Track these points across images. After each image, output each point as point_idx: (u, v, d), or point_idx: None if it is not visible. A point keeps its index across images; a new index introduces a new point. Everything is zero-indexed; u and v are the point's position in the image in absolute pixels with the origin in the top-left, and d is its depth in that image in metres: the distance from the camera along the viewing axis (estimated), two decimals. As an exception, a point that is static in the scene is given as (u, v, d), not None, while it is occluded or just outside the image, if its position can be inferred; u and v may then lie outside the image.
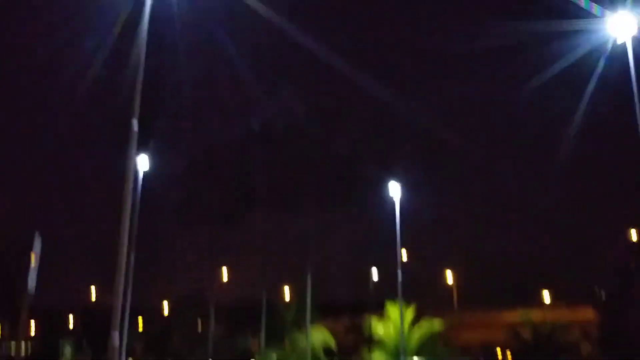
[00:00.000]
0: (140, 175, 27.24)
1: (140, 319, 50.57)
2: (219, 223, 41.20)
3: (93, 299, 56.41)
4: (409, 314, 36.70)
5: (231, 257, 47.97)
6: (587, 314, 41.70)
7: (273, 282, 45.32)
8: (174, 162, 40.14)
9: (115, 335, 13.25)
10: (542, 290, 50.13)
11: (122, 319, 17.17)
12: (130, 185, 14.25)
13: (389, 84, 43.15)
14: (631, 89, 19.59)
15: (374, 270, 50.04)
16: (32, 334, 53.79)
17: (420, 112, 41.81)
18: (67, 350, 52.16)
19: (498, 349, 46.78)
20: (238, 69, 37.51)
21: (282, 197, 40.11)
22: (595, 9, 20.28)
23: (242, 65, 37.08)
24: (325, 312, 42.58)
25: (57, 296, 48.84)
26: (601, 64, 23.33)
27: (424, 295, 42.82)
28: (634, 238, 43.38)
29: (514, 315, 42.65)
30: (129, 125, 14.53)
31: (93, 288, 56.00)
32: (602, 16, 20.10)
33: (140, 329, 51.56)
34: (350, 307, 46.42)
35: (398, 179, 34.53)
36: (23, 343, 47.19)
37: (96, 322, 42.48)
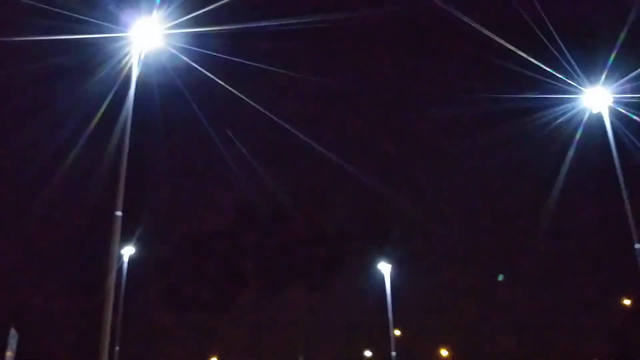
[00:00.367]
0: (125, 265, 26.73)
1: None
2: (206, 308, 40.35)
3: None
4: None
5: (221, 344, 46.65)
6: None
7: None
8: (160, 250, 39.62)
9: None
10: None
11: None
12: (113, 278, 13.82)
13: (376, 168, 43.50)
14: (611, 155, 20.16)
15: (367, 353, 48.80)
16: None
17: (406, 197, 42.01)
18: None
19: None
20: (222, 154, 37.72)
21: (271, 279, 39.57)
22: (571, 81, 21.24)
23: (227, 150, 37.31)
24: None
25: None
26: (579, 132, 23.97)
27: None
28: (627, 304, 43.03)
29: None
30: (112, 215, 14.31)
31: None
32: (579, 89, 21.11)
33: None
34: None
35: (388, 259, 34.32)
36: None
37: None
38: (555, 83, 21.74)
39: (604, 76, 20.77)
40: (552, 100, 22.99)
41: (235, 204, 42.23)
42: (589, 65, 21.46)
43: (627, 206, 19.37)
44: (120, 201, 14.40)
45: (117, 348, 27.10)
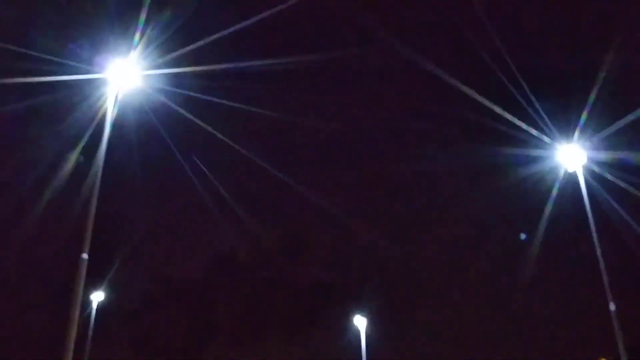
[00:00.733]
0: (94, 312, 26.00)
1: None
2: (177, 357, 39.18)
3: None
4: None
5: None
6: None
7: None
8: (131, 295, 38.70)
9: None
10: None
11: None
12: (75, 326, 13.20)
13: (355, 216, 43.22)
14: (585, 213, 20.21)
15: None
16: None
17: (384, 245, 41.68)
18: None
19: None
20: (201, 195, 37.28)
21: (244, 328, 38.65)
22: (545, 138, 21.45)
23: (205, 191, 36.91)
24: None
25: None
26: (555, 189, 24.13)
27: None
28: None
29: None
30: (78, 259, 13.86)
31: None
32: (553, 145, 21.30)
33: None
34: None
35: (364, 312, 33.83)
36: None
37: None
38: (531, 140, 21.98)
39: (576, 134, 21.04)
40: (528, 157, 23.23)
41: (213, 249, 41.68)
42: (562, 123, 21.77)
43: (602, 265, 19.28)
44: (87, 243, 13.99)
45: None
